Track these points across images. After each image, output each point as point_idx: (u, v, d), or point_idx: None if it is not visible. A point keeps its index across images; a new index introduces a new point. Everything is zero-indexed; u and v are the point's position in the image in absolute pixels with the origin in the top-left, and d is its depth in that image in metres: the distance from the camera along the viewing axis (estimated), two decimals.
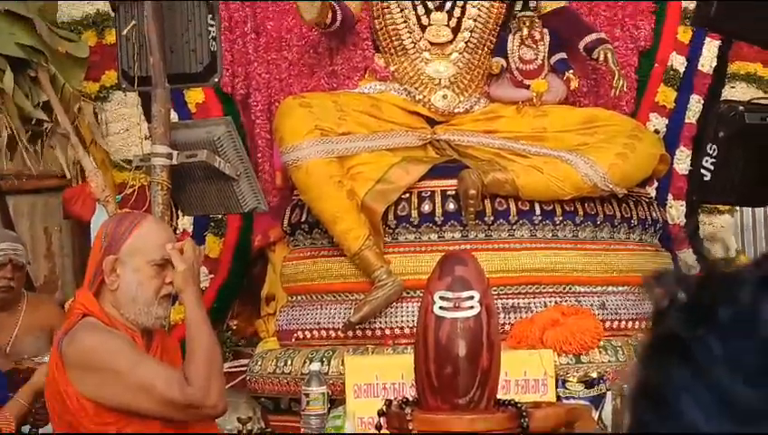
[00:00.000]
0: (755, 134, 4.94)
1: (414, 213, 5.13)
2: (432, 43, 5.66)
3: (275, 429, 5.10)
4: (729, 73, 6.13)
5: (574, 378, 4.69)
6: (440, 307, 3.27)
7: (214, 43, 4.59)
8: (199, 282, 3.40)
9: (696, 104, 6.10)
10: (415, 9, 5.65)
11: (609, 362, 4.90)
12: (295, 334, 5.33)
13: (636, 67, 6.07)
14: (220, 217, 5.96)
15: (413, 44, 5.65)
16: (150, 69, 4.57)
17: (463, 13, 5.65)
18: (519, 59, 5.63)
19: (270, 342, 5.68)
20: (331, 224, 5.13)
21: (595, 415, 4.34)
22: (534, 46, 5.64)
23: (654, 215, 5.53)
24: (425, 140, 5.50)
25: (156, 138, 4.63)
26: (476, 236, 5.13)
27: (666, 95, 6.10)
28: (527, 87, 5.58)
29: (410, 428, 3.25)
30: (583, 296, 5.16)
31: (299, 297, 5.43)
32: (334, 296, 5.26)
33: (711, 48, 6.10)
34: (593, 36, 5.59)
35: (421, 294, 3.51)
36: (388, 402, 3.47)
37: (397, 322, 5.06)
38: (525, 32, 5.63)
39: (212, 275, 6.00)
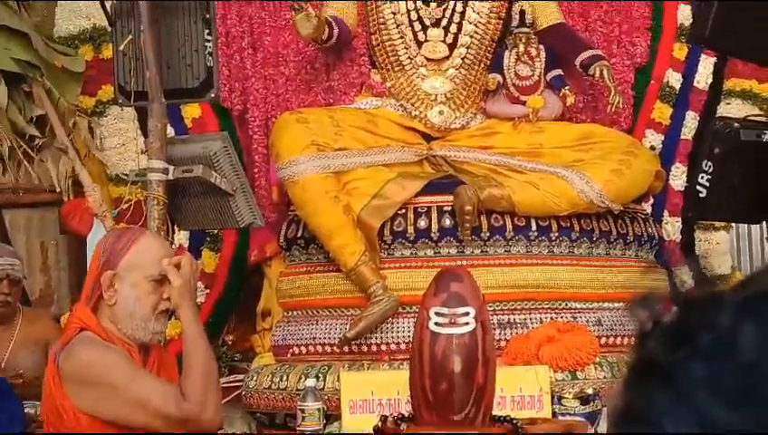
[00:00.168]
0: (751, 151, 4.95)
1: (410, 228, 5.14)
2: (428, 59, 5.67)
3: None
4: (725, 90, 6.15)
5: (570, 394, 4.68)
6: (436, 323, 3.27)
7: (210, 58, 4.60)
8: (196, 297, 3.40)
9: (691, 121, 6.12)
10: (411, 25, 5.66)
11: (605, 378, 4.90)
12: (291, 350, 5.33)
13: (632, 83, 6.08)
14: (216, 232, 5.96)
15: (409, 60, 5.67)
16: (147, 84, 4.57)
17: (459, 29, 5.67)
18: (515, 75, 5.65)
19: (266, 357, 5.68)
20: (327, 239, 5.13)
21: (591, 431, 4.34)
22: (531, 62, 5.66)
23: (650, 231, 5.53)
24: (421, 155, 5.51)
25: (152, 153, 4.63)
26: (472, 251, 5.14)
27: (662, 111, 6.12)
28: (523, 103, 5.59)
29: None
30: (579, 313, 5.17)
31: (295, 312, 5.43)
32: (330, 312, 5.26)
33: (706, 65, 6.11)
34: (589, 53, 5.61)
35: (417, 310, 3.51)
36: (384, 418, 3.46)
37: (392, 337, 5.06)
38: (522, 48, 5.65)
39: (208, 290, 6.00)
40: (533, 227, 5.18)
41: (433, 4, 5.67)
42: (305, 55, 5.93)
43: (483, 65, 5.70)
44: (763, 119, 5.54)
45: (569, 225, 5.23)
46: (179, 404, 3.14)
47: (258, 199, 5.43)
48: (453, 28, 5.67)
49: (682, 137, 6.11)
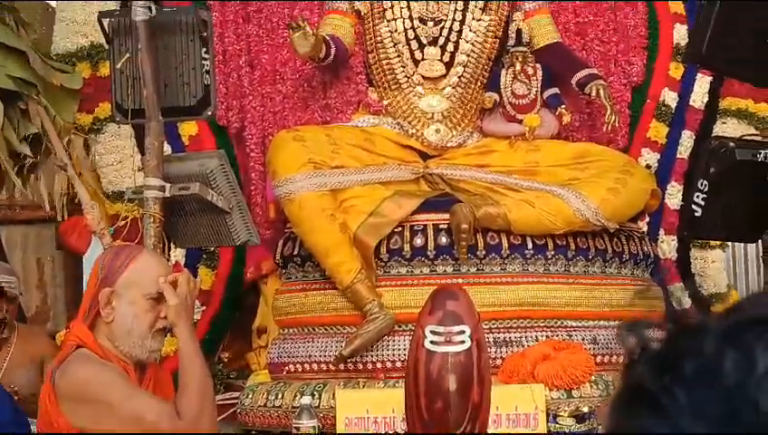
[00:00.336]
0: (746, 170, 4.97)
1: (406, 246, 5.15)
2: (425, 78, 5.69)
3: None
4: (720, 109, 6.17)
5: (565, 412, 4.69)
6: (431, 341, 3.28)
7: (207, 76, 4.61)
8: (193, 315, 3.40)
9: (687, 140, 6.13)
10: (408, 44, 5.68)
11: (601, 396, 4.90)
12: (287, 367, 5.33)
13: (629, 102, 6.10)
14: (213, 249, 5.96)
15: (406, 79, 5.68)
16: (144, 102, 4.58)
17: (456, 48, 5.69)
18: (512, 94, 5.66)
19: (261, 374, 5.68)
20: (324, 257, 5.14)
21: None
22: (527, 81, 5.67)
23: (645, 249, 5.54)
24: (417, 173, 5.52)
25: (149, 170, 4.63)
26: (468, 270, 5.14)
27: (658, 130, 6.13)
28: (520, 122, 5.61)
29: None
30: (575, 331, 5.17)
31: (290, 330, 5.44)
32: (326, 329, 5.27)
33: (702, 84, 6.13)
34: (586, 72, 5.63)
35: (413, 328, 3.52)
36: None
37: (388, 355, 5.06)
38: (518, 67, 5.66)
39: (204, 307, 6.00)
40: (529, 245, 5.19)
41: (430, 23, 5.69)
42: (302, 73, 5.94)
43: (479, 84, 5.72)
44: (759, 138, 5.56)
45: (565, 243, 5.24)
46: (174, 422, 3.14)
47: (254, 217, 5.44)
48: (450, 47, 5.69)
49: (678, 156, 6.13)
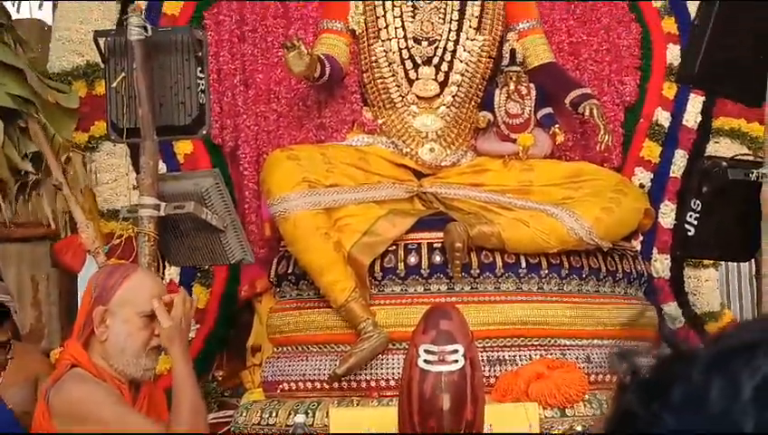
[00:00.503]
0: (739, 190, 4.99)
1: (400, 265, 5.16)
2: (419, 97, 5.71)
3: None
4: (713, 129, 6.19)
5: (559, 431, 4.70)
6: (425, 360, 3.29)
7: (203, 95, 4.63)
8: (187, 337, 3.40)
9: (680, 159, 6.15)
10: (403, 63, 5.71)
11: (594, 415, 4.90)
12: (281, 386, 5.34)
13: (622, 122, 6.12)
14: (207, 267, 5.97)
15: (401, 98, 5.70)
16: (139, 121, 4.60)
17: (450, 67, 5.71)
18: (506, 113, 5.69)
19: (255, 393, 5.68)
20: (318, 275, 5.15)
21: None
22: (521, 101, 5.69)
23: (639, 268, 5.56)
24: (412, 192, 5.53)
25: (143, 189, 4.65)
26: (462, 288, 5.15)
27: (651, 150, 6.15)
28: (514, 141, 5.63)
29: None
30: (568, 349, 5.18)
31: (285, 348, 5.44)
32: (320, 348, 5.27)
33: (695, 104, 6.16)
34: (579, 91, 5.65)
35: (407, 347, 3.53)
36: None
37: (382, 374, 5.07)
38: (512, 86, 5.69)
39: (198, 326, 6.01)
40: (523, 263, 5.20)
41: (424, 43, 5.72)
42: (297, 92, 5.96)
43: (473, 103, 5.74)
44: (751, 158, 5.58)
45: (558, 262, 5.25)
46: None
47: (248, 235, 5.45)
48: (444, 66, 5.72)
49: (671, 175, 6.15)
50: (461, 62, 5.72)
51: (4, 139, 5.48)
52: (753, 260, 5.74)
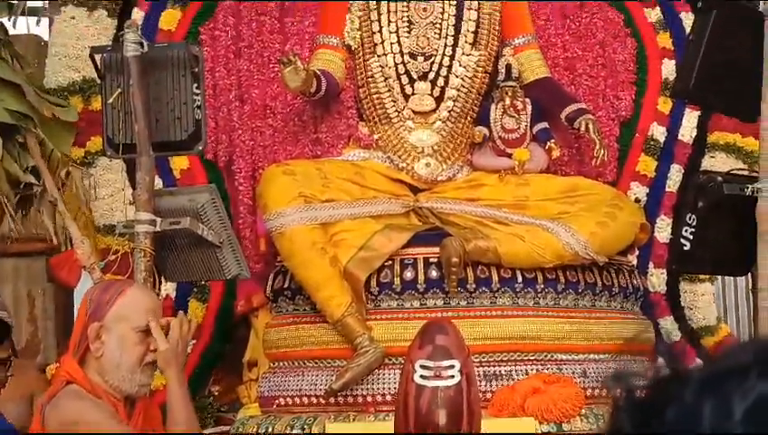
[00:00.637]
0: (734, 204, 5.00)
1: (396, 280, 5.16)
2: (415, 112, 5.72)
3: None
4: (709, 143, 6.19)
5: None
6: (421, 376, 3.29)
7: (199, 111, 4.63)
8: (184, 359, 3.39)
9: (676, 174, 6.15)
10: (399, 78, 5.72)
11: (591, 429, 4.90)
12: (277, 401, 5.33)
13: (617, 137, 6.12)
14: (203, 282, 5.96)
15: (397, 113, 5.71)
16: (135, 136, 4.60)
17: (446, 82, 5.72)
18: (501, 128, 5.70)
19: (252, 408, 5.67)
20: (314, 290, 5.15)
21: None
22: (517, 116, 5.70)
23: (635, 283, 5.56)
24: (408, 207, 5.54)
25: (139, 205, 4.65)
26: (458, 303, 5.16)
27: (646, 164, 6.15)
28: (509, 156, 5.63)
29: None
30: (565, 364, 5.18)
31: (281, 363, 5.44)
32: (316, 363, 5.27)
33: (691, 118, 6.16)
34: (575, 106, 5.66)
35: (403, 362, 3.53)
36: None
37: (378, 389, 5.07)
38: (508, 101, 5.70)
39: (194, 341, 5.99)
40: (519, 278, 5.21)
41: (420, 58, 5.73)
42: (293, 108, 5.96)
43: (469, 118, 5.75)
44: (747, 172, 5.59)
45: (554, 277, 5.26)
46: None
47: (244, 250, 5.44)
48: (440, 81, 5.73)
49: (667, 189, 6.14)
50: (457, 77, 5.73)
51: (3, 153, 5.48)
52: (749, 274, 5.74)
